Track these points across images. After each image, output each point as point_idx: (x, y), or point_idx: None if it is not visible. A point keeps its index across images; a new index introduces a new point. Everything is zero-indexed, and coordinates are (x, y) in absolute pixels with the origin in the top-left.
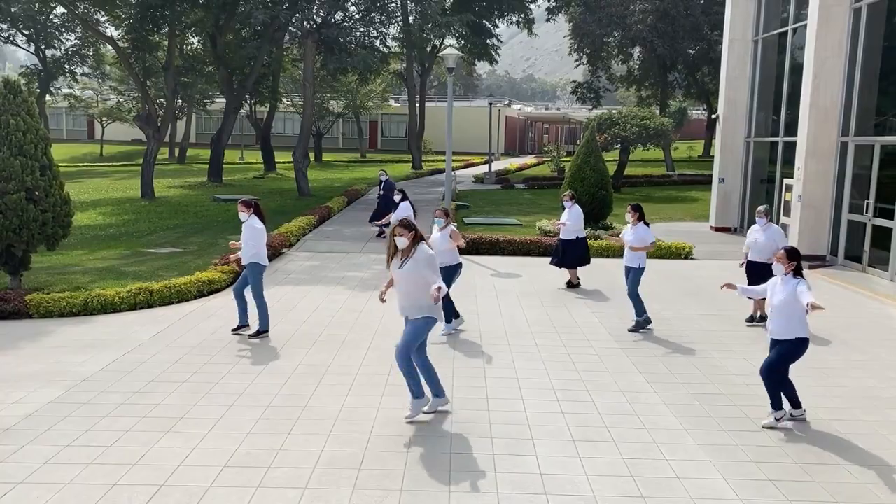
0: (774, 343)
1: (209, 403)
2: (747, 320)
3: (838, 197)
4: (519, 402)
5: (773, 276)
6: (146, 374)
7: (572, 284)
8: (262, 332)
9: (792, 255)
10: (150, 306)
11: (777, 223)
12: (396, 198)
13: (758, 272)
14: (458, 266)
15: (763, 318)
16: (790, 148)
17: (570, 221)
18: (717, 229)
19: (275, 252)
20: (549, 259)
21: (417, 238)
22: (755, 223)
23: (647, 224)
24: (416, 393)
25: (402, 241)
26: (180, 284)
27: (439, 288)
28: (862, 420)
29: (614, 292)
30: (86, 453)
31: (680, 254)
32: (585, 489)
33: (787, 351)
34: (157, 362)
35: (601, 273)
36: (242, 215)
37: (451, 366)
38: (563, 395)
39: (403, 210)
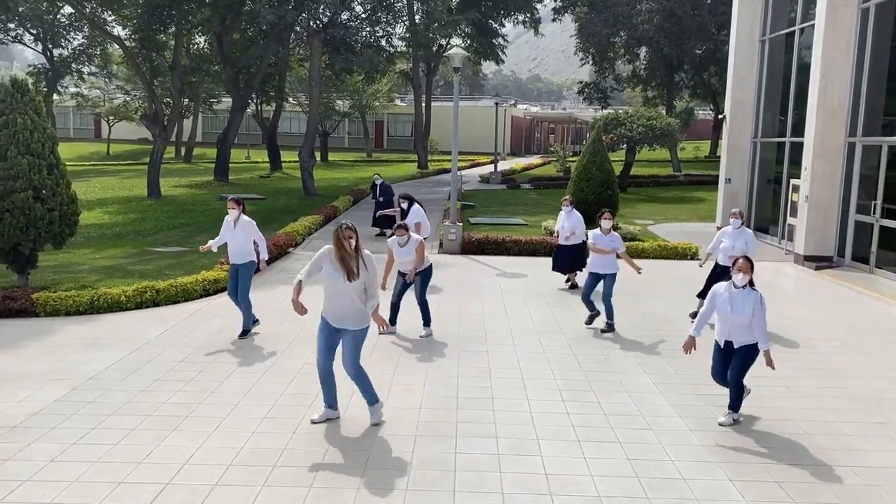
0: (734, 348)
1: (214, 402)
2: (692, 315)
3: (845, 198)
4: (524, 403)
5: None
6: (152, 373)
7: (575, 285)
8: (247, 331)
9: (752, 265)
10: (156, 305)
11: (784, 224)
12: (404, 205)
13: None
14: (430, 268)
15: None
16: (797, 148)
17: (578, 229)
18: None
19: (280, 251)
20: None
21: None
22: (728, 226)
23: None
24: (371, 400)
25: (353, 243)
26: (186, 283)
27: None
28: (868, 422)
29: (619, 294)
30: (91, 451)
31: (686, 254)
32: (590, 490)
33: (752, 354)
34: (162, 361)
35: None
36: (233, 213)
37: (457, 365)
38: (568, 395)
39: (415, 214)
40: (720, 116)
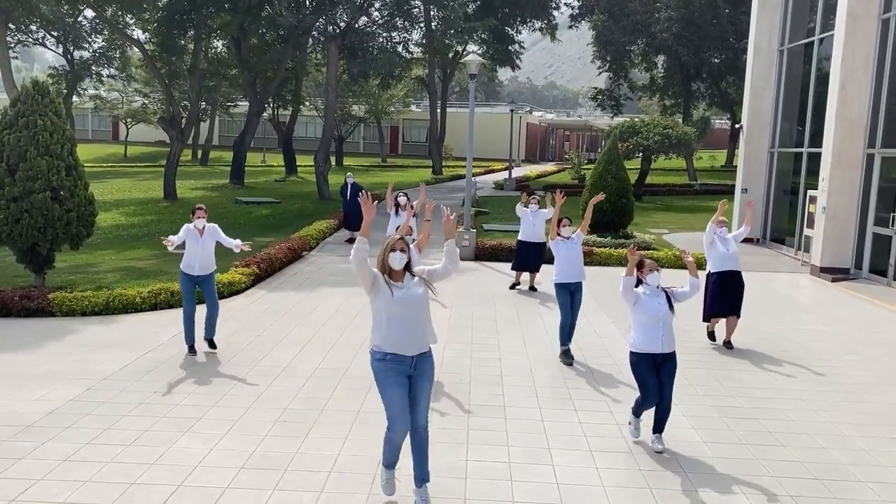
0: (664, 357)
1: (227, 405)
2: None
3: (863, 209)
4: (536, 411)
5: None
6: (166, 374)
7: (534, 288)
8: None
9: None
10: (171, 307)
11: (800, 235)
12: (402, 199)
13: (736, 282)
14: None
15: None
16: (815, 159)
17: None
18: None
19: (294, 255)
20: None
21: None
22: (720, 231)
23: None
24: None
25: (402, 259)
26: None
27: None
28: (886, 437)
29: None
30: (105, 452)
31: (700, 264)
32: (602, 500)
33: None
34: (176, 362)
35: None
36: (201, 221)
37: (469, 374)
38: (580, 404)
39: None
40: (737, 126)
